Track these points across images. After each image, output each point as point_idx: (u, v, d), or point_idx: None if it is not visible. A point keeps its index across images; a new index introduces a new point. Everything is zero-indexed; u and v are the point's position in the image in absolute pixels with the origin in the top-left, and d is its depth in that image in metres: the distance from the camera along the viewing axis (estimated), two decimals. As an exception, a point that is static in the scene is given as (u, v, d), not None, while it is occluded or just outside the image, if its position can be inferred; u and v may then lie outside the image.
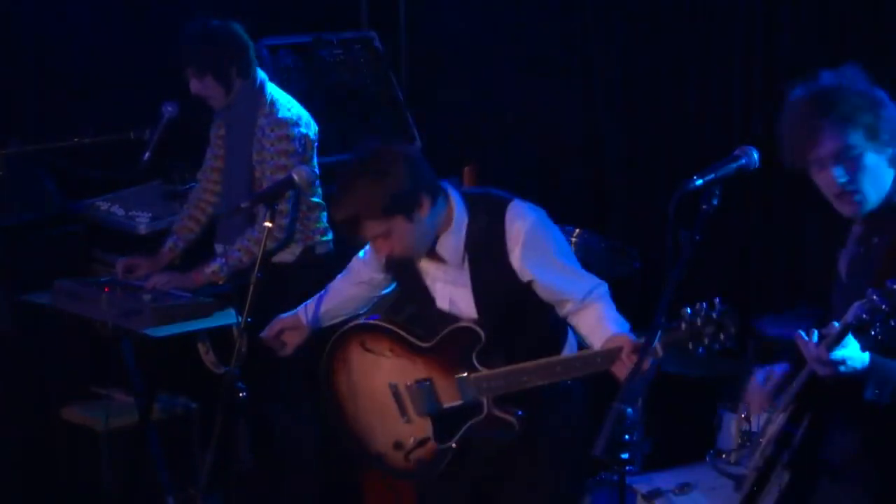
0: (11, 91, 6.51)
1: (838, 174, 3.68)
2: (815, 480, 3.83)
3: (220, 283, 5.52)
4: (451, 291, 4.36)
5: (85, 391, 6.09)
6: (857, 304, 3.45)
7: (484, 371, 4.27)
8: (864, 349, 3.52)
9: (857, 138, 3.67)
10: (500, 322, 4.31)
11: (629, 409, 3.65)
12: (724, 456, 4.87)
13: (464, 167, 6.15)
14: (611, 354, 4.07)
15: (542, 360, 4.21)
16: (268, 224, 4.68)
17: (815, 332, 3.55)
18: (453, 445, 4.37)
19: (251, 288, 4.59)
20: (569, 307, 4.31)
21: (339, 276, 4.77)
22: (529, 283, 4.28)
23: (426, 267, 4.38)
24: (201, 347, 5.54)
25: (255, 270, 4.65)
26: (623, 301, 4.35)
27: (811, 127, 3.68)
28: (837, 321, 3.51)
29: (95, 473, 5.95)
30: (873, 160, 3.70)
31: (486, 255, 4.28)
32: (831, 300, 3.90)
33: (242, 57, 5.61)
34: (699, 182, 3.85)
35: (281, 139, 5.53)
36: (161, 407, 5.98)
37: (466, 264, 4.31)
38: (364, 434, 4.55)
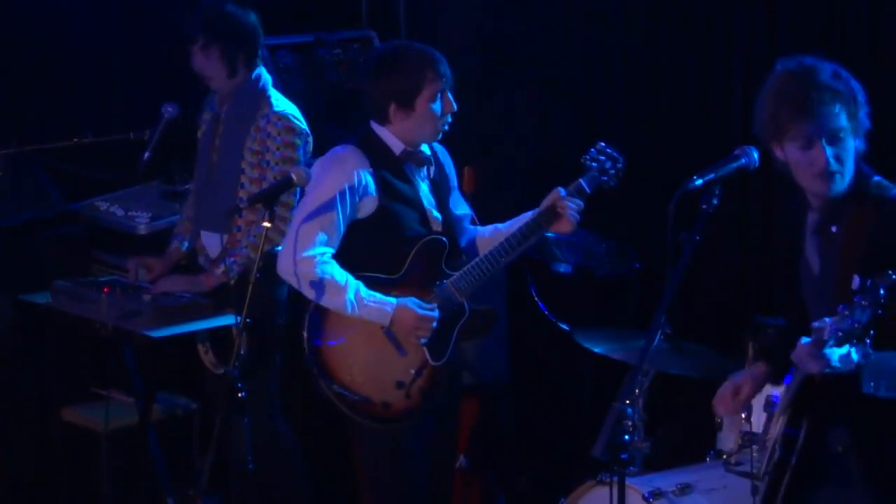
0: (11, 91, 6.51)
1: (830, 153, 3.70)
2: (813, 482, 3.82)
3: (232, 282, 5.48)
4: None
5: (85, 392, 6.09)
6: (830, 320, 3.46)
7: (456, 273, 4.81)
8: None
9: (846, 121, 3.71)
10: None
11: (629, 410, 3.66)
12: (724, 456, 4.86)
13: (464, 167, 6.14)
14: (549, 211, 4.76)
15: (497, 244, 4.79)
16: (266, 224, 4.67)
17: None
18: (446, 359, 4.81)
19: (250, 288, 4.58)
20: None
21: None
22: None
23: None
24: (201, 348, 5.53)
25: (255, 270, 4.64)
26: (623, 301, 4.34)
27: (808, 100, 3.69)
28: (828, 317, 3.51)
29: (95, 474, 5.95)
30: (852, 145, 3.74)
31: None
32: (804, 293, 3.89)
33: (253, 46, 5.55)
34: (699, 182, 3.86)
35: (287, 131, 5.47)
36: (161, 407, 5.98)
37: None
38: (367, 390, 4.77)
